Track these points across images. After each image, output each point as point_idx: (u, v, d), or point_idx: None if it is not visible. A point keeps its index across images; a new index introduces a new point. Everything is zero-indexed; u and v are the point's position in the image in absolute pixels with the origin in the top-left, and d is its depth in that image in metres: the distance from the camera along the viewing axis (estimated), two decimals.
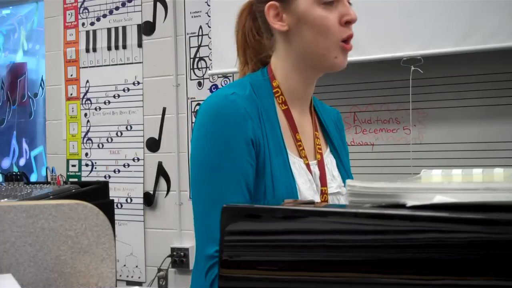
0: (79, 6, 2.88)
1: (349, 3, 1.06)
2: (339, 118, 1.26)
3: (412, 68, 1.98)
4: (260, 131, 1.01)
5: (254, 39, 1.13)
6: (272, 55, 1.12)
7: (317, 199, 1.05)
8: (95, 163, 2.84)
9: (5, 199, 1.73)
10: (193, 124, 2.54)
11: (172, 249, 2.60)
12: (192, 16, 2.59)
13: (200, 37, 2.57)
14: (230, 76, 2.44)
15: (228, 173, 0.96)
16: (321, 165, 1.10)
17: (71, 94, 2.91)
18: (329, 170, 1.12)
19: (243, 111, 0.99)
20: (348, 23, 1.03)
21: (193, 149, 1.02)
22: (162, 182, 2.68)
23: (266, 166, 0.99)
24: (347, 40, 1.04)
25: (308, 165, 1.07)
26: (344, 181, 1.13)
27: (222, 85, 2.48)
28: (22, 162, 3.37)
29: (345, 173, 1.16)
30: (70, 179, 2.67)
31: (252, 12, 1.13)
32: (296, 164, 1.05)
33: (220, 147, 0.97)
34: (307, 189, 1.04)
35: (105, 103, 2.82)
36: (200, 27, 2.56)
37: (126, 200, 2.75)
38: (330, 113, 1.24)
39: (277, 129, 1.05)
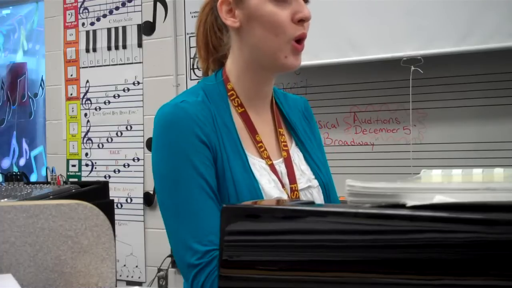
0: (79, 6, 2.88)
1: (306, 1, 1.01)
2: (306, 107, 1.20)
3: (412, 68, 1.98)
4: (215, 135, 0.98)
5: (215, 36, 1.08)
6: (228, 55, 1.07)
7: (284, 197, 1.01)
8: (95, 163, 2.84)
9: (5, 199, 1.73)
10: None
11: None
12: (192, 16, 2.59)
13: None
14: None
15: (189, 181, 0.93)
16: (288, 162, 1.06)
17: (71, 94, 2.91)
18: (297, 165, 1.08)
19: (194, 117, 0.96)
20: (301, 21, 0.98)
21: (153, 162, 0.99)
22: None
23: (226, 171, 0.97)
24: (300, 40, 0.99)
25: (272, 165, 1.04)
26: (314, 173, 1.10)
27: None
28: (22, 162, 3.38)
29: (314, 165, 1.11)
30: (70, 179, 2.66)
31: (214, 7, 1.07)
32: (256, 165, 1.02)
33: (177, 156, 0.95)
34: (271, 188, 1.00)
35: (105, 103, 2.82)
36: None
37: (126, 200, 2.75)
38: (295, 103, 1.18)
39: (234, 133, 1.01)
